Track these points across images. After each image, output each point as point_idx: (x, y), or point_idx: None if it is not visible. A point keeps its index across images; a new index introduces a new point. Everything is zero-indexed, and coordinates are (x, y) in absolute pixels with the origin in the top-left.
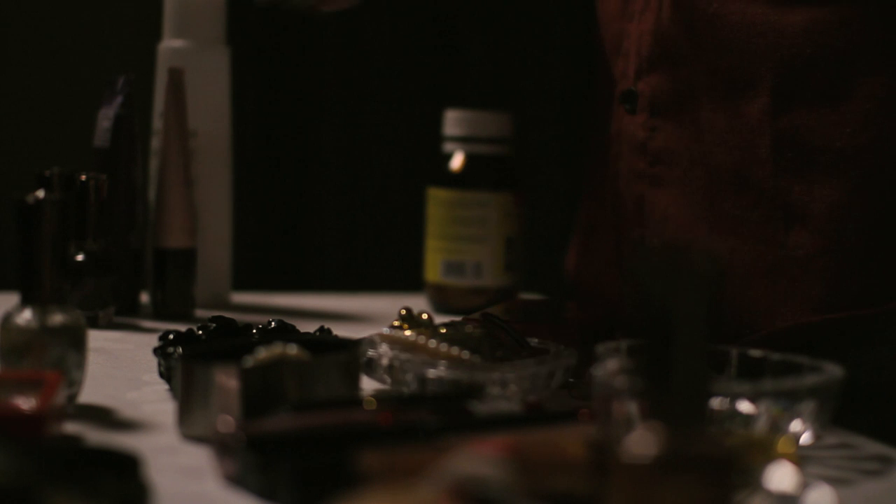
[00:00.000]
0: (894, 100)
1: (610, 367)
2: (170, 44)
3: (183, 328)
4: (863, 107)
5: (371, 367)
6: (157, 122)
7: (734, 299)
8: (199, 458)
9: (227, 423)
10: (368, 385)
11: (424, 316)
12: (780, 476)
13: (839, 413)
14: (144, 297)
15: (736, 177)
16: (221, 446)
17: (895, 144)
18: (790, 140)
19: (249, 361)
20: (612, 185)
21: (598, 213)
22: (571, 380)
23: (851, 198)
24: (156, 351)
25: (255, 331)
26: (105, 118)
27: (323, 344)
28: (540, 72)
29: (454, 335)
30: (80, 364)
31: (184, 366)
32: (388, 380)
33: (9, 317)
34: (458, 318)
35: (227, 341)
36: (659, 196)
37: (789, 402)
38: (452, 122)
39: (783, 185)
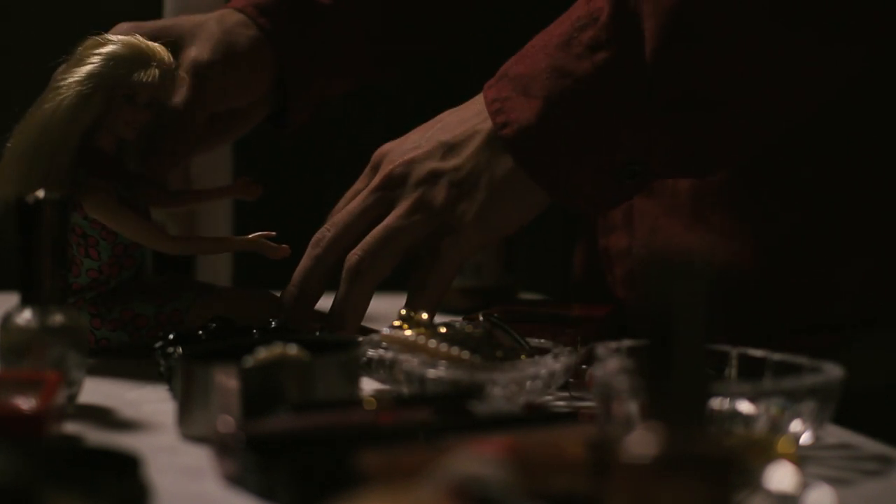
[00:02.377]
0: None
1: (610, 367)
2: None
3: (183, 328)
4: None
5: (371, 367)
6: None
7: (725, 311)
8: (199, 458)
9: (227, 423)
10: (368, 385)
11: (424, 316)
12: (780, 476)
13: (839, 413)
14: None
15: (725, 190)
16: (221, 446)
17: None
18: (777, 155)
19: (249, 361)
20: None
21: (588, 220)
22: (571, 380)
23: (839, 210)
24: (156, 351)
25: (255, 331)
26: None
27: (323, 344)
28: None
29: (454, 335)
30: (80, 364)
31: (184, 366)
32: (388, 380)
33: (9, 317)
34: (458, 318)
35: (227, 341)
36: (648, 206)
37: (789, 402)
38: None
39: (772, 199)
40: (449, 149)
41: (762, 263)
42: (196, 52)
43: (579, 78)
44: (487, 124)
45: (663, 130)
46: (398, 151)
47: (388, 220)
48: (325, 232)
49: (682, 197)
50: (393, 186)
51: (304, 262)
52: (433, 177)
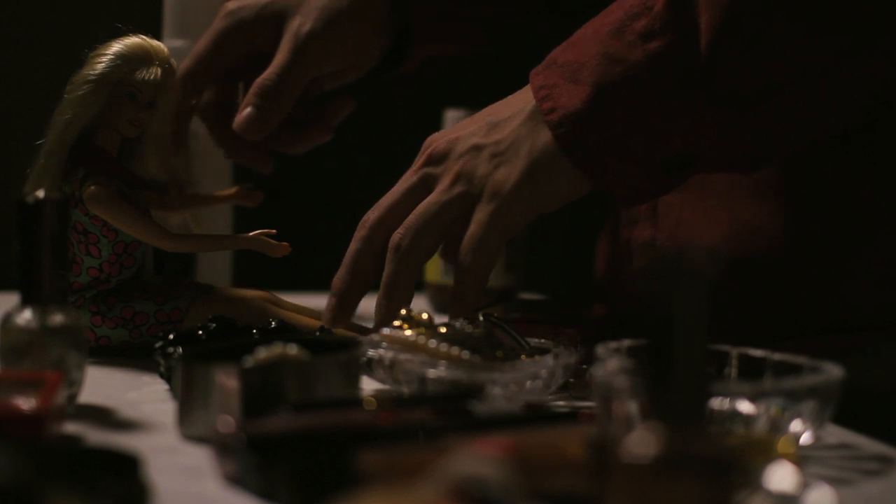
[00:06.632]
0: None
1: (610, 367)
2: (170, 43)
3: (183, 328)
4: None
5: (371, 367)
6: None
7: (746, 308)
8: (199, 458)
9: (227, 423)
10: (368, 385)
11: (424, 316)
12: (780, 476)
13: (839, 413)
14: None
15: (755, 184)
16: (221, 446)
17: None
18: (808, 152)
19: (249, 361)
20: None
21: (614, 212)
22: (571, 380)
23: (866, 209)
24: (156, 351)
25: (255, 331)
26: None
27: (323, 344)
28: None
29: (454, 335)
30: (80, 364)
31: (184, 366)
32: (388, 380)
33: (9, 317)
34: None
35: (227, 341)
36: (674, 198)
37: (789, 402)
38: (452, 122)
39: (800, 196)
40: (492, 126)
41: (787, 260)
42: (300, 21)
43: (630, 65)
44: (532, 104)
45: (712, 123)
46: (443, 133)
47: (431, 196)
48: (371, 214)
49: (709, 191)
50: (436, 163)
51: (353, 245)
52: (474, 150)
